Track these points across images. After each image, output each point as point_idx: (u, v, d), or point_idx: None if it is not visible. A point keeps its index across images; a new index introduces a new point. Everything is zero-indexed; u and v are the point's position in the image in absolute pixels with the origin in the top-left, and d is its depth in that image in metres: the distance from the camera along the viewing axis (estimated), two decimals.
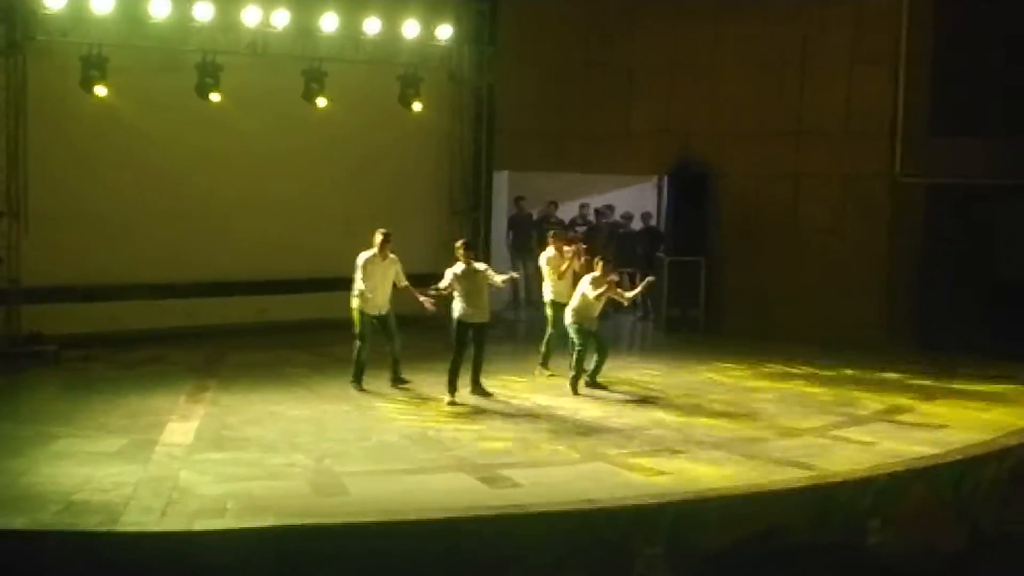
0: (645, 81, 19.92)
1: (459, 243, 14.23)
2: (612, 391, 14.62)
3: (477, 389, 14.10)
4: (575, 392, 14.40)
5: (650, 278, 15.36)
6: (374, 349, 14.35)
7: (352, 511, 9.59)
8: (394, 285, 14.28)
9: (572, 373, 14.57)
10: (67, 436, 11.72)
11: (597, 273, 14.50)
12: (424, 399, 14.05)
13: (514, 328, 19.71)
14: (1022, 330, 17.18)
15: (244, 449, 11.50)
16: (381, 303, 14.18)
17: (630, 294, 15.38)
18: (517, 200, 21.64)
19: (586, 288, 14.43)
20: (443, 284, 13.87)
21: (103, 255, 16.66)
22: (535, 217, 21.67)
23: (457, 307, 13.86)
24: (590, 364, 14.64)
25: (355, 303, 14.14)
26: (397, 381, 14.50)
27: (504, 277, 14.47)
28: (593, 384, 14.62)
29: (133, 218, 16.94)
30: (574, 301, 14.59)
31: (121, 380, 14.54)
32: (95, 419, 12.49)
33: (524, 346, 15.62)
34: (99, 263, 16.63)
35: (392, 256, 14.22)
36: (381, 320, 14.25)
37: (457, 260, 13.90)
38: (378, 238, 14.13)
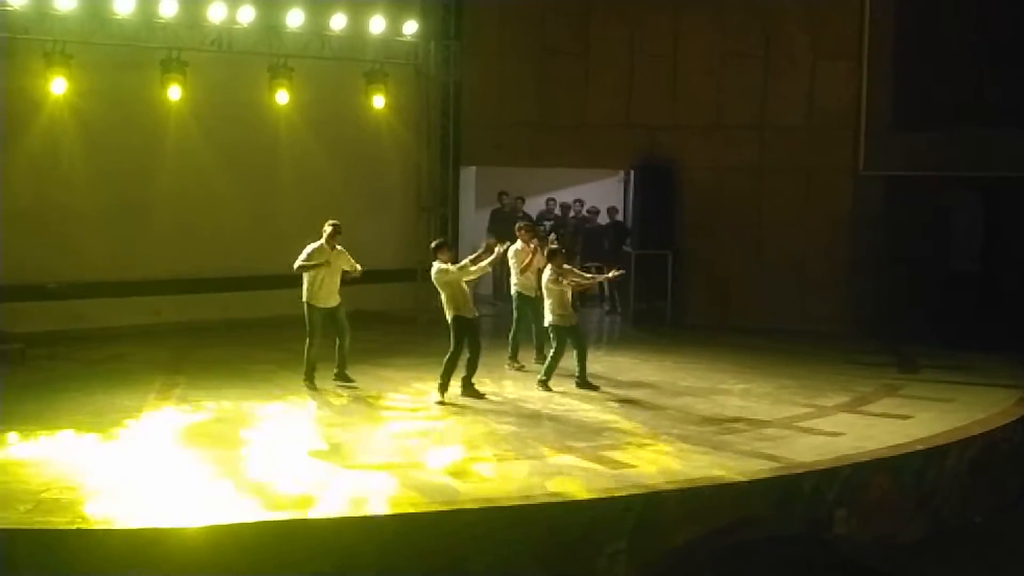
0: (606, 74, 19.98)
1: (433, 244, 14.13)
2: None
3: (468, 390, 13.80)
4: (546, 390, 14.33)
5: (619, 271, 15.30)
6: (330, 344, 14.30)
7: (318, 507, 9.58)
8: (344, 279, 14.13)
9: (542, 376, 14.41)
10: (34, 434, 11.66)
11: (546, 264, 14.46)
12: (392, 394, 14.05)
13: (487, 322, 19.72)
14: (980, 321, 17.41)
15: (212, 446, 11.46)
16: (328, 295, 14.05)
17: (598, 277, 15.27)
18: (500, 195, 21.63)
19: (545, 279, 14.40)
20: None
21: (68, 252, 16.70)
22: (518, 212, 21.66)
23: (448, 307, 13.71)
24: (570, 365, 14.52)
25: (304, 297, 14.05)
26: (342, 377, 14.30)
27: (481, 252, 14.03)
28: (584, 385, 14.43)
29: (97, 215, 16.95)
30: (547, 301, 14.45)
31: (87, 378, 14.49)
32: (62, 417, 12.43)
33: (494, 341, 15.64)
34: (64, 261, 16.66)
35: (339, 248, 14.06)
36: (330, 313, 14.10)
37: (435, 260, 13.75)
38: (328, 229, 13.97)
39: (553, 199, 22.27)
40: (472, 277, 13.89)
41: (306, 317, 14.10)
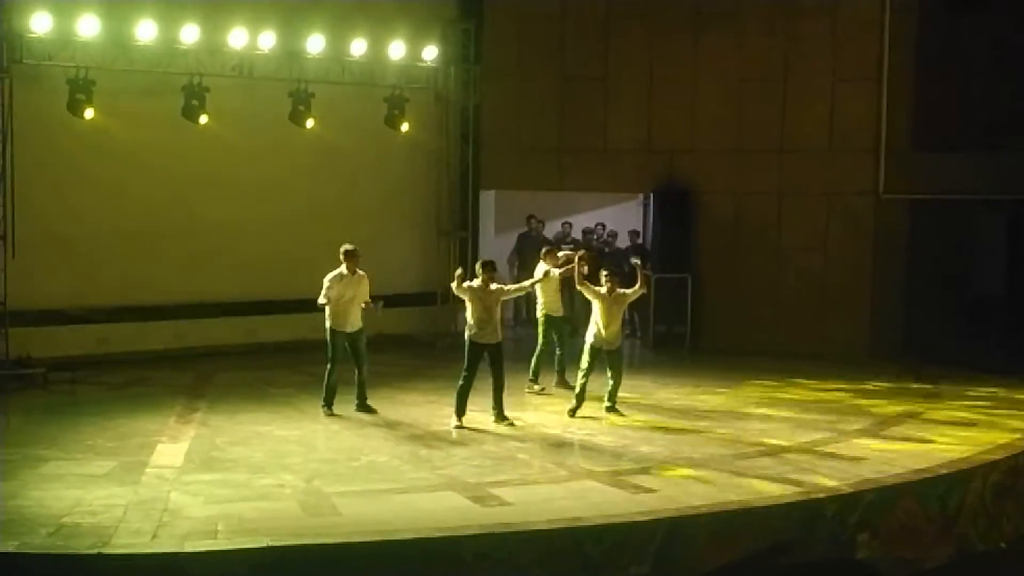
0: (626, 99, 20.02)
1: (479, 263, 14.00)
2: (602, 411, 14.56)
3: (500, 418, 13.63)
4: (572, 416, 14.17)
5: (638, 264, 14.70)
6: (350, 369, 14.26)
7: (342, 531, 9.54)
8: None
9: (573, 404, 14.27)
10: (56, 459, 11.69)
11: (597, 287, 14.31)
12: (414, 418, 14.03)
13: (509, 347, 19.71)
14: (1004, 345, 17.31)
15: (234, 470, 11.47)
16: (354, 320, 13.98)
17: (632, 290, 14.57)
18: (529, 218, 21.64)
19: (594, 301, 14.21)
20: (459, 286, 13.53)
21: (91, 277, 16.76)
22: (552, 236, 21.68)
23: (468, 327, 13.61)
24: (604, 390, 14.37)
25: (328, 323, 13.98)
26: (363, 408, 14.21)
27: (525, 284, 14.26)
28: (612, 410, 14.27)
29: (121, 240, 17.00)
30: (593, 325, 14.22)
31: (109, 402, 14.54)
32: (84, 441, 12.48)
33: (516, 365, 15.57)
34: (87, 285, 16.72)
35: (361, 272, 14.01)
36: (352, 340, 14.01)
37: (475, 277, 13.65)
38: (342, 254, 13.93)
39: (569, 222, 22.24)
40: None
41: (328, 342, 14.05)
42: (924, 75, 18.71)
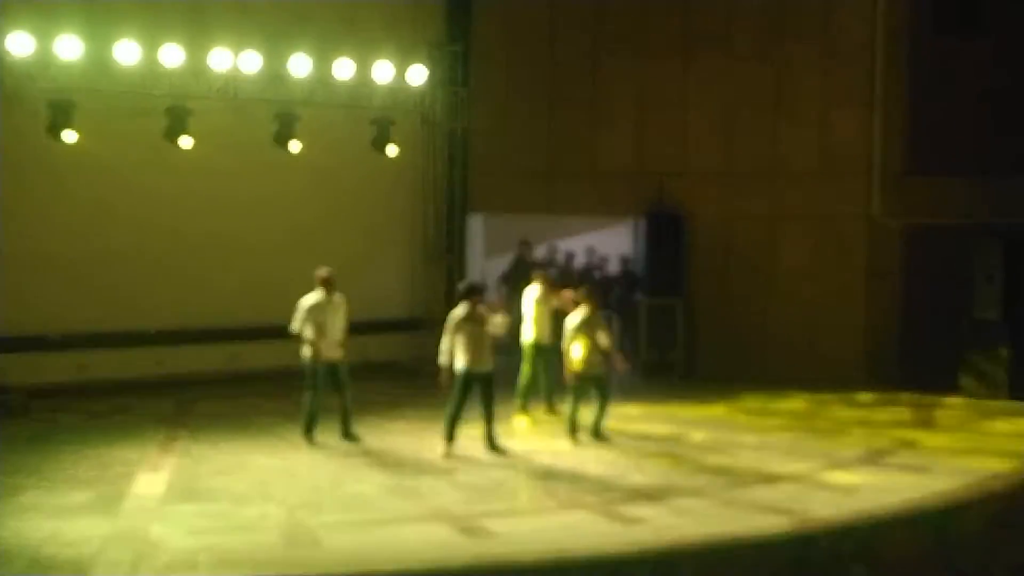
0: (616, 122, 19.92)
1: (464, 285, 13.85)
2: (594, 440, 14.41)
3: (492, 445, 13.48)
4: (573, 442, 14.13)
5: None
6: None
7: (325, 564, 9.44)
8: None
9: (567, 427, 14.25)
10: (34, 488, 11.57)
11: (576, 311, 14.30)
12: (400, 447, 13.86)
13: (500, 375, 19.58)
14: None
15: (216, 500, 11.33)
16: (334, 348, 13.72)
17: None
18: (521, 243, 21.51)
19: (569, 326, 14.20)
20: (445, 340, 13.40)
21: (71, 303, 16.59)
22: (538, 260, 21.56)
23: (459, 357, 13.34)
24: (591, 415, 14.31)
25: (305, 352, 13.69)
26: (347, 436, 13.94)
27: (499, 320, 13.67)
28: (596, 435, 14.20)
29: (101, 265, 16.86)
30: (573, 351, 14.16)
31: (89, 430, 14.40)
32: (63, 470, 12.35)
33: (505, 392, 15.43)
34: (67, 311, 16.55)
35: (339, 296, 13.80)
36: (332, 369, 13.71)
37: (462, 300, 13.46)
38: (320, 278, 13.70)
39: (556, 244, 22.09)
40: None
41: (307, 369, 13.81)
42: (916, 99, 18.72)
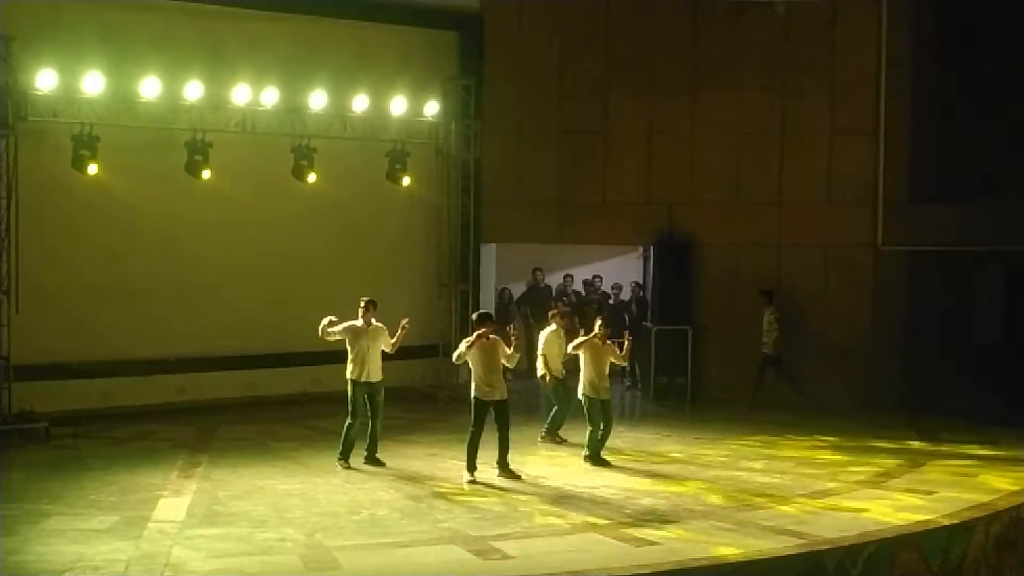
0: (626, 153, 20.16)
1: (475, 314, 14.15)
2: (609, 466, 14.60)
3: (504, 472, 13.65)
4: (596, 465, 14.41)
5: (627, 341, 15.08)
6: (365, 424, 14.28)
7: None
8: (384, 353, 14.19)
9: (586, 452, 14.56)
10: (58, 514, 11.71)
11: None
12: (416, 470, 14.05)
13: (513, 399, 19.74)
14: (1005, 395, 17.34)
15: (236, 524, 11.48)
16: (373, 371, 14.04)
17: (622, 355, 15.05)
18: (534, 271, 21.77)
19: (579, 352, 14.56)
20: (456, 354, 13.74)
21: (94, 331, 16.78)
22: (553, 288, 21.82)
23: (473, 384, 13.60)
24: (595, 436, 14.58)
25: (349, 373, 14.05)
26: (372, 461, 14.21)
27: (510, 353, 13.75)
28: (595, 460, 14.50)
29: (123, 295, 17.06)
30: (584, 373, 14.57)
31: (112, 457, 14.54)
32: (86, 496, 12.49)
33: (520, 417, 15.56)
34: (90, 339, 16.74)
35: (376, 324, 14.11)
36: (372, 391, 14.05)
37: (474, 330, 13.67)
38: (361, 306, 14.05)
39: (571, 275, 22.34)
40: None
41: (349, 394, 14.09)
42: (920, 128, 18.91)
